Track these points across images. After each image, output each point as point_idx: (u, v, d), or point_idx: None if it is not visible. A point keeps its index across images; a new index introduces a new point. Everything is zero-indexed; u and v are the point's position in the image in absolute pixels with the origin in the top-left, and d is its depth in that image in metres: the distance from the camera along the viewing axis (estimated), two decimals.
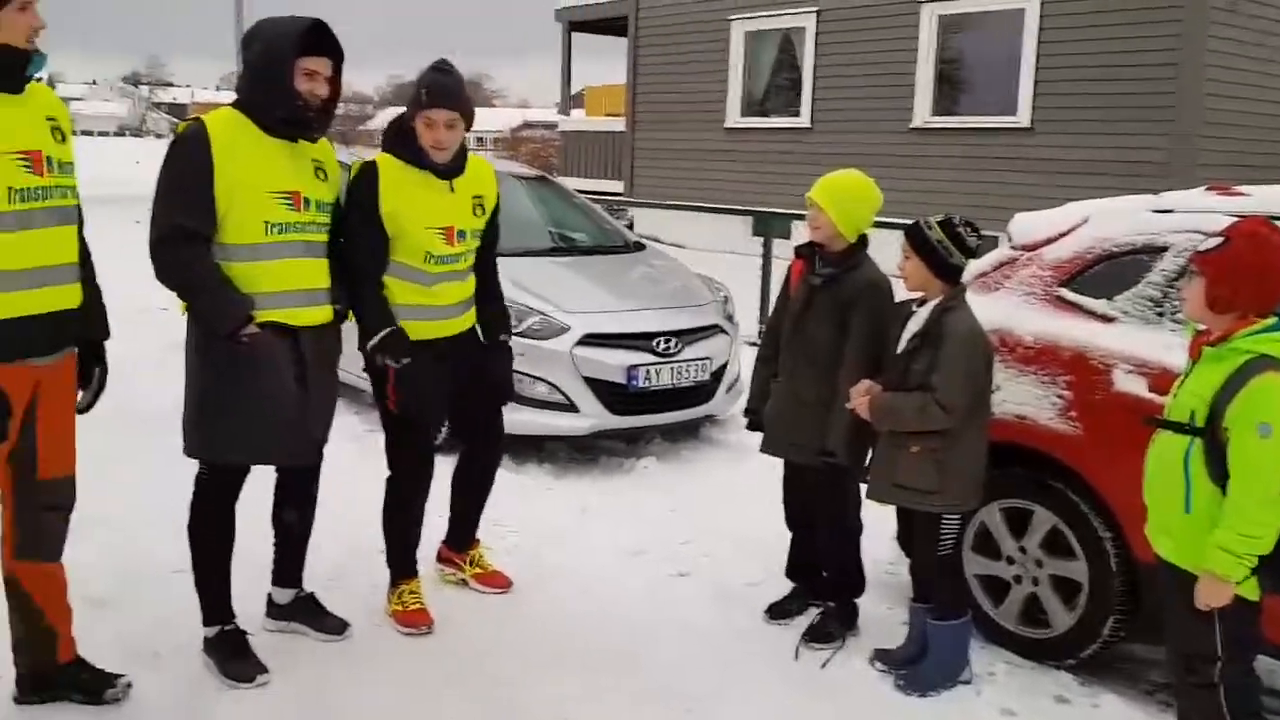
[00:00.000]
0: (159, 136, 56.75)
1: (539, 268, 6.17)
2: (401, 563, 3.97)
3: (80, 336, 3.10)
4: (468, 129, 3.75)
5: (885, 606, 4.13)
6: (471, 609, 4.04)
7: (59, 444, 3.07)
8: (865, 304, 3.65)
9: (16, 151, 2.80)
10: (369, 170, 3.65)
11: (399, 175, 3.67)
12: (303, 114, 3.30)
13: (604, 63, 23.59)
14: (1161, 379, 3.27)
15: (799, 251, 3.84)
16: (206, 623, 3.51)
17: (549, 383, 5.60)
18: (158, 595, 3.86)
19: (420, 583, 4.00)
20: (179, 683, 3.40)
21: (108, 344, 3.24)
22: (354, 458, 4.79)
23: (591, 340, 5.68)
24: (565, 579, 4.33)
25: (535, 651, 3.73)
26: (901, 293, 3.64)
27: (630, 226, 12.50)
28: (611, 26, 18.70)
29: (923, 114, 13.05)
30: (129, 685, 3.28)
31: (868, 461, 3.71)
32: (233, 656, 3.48)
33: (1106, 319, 3.63)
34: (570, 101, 21.24)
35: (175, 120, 75.13)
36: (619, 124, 17.84)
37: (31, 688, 3.21)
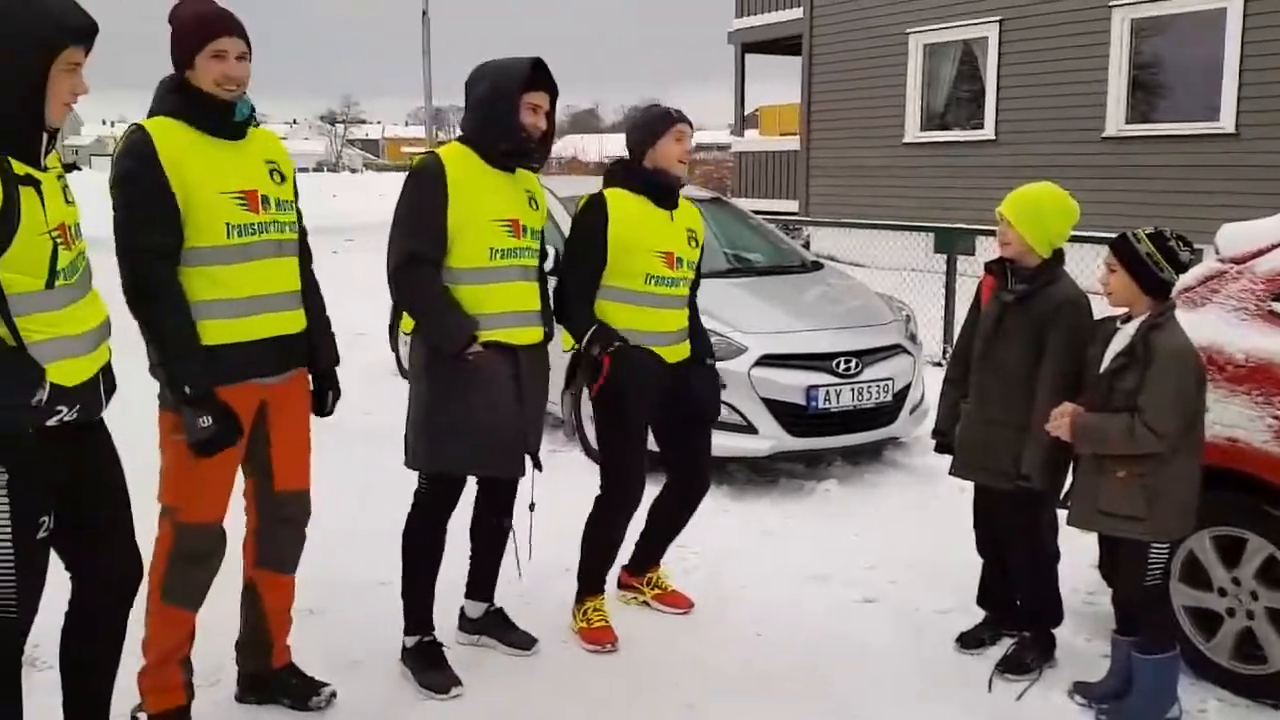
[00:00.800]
0: (353, 171, 59.85)
1: (716, 289, 6.17)
2: (592, 579, 4.07)
3: (310, 361, 3.31)
4: None
5: (1084, 637, 3.94)
6: (653, 630, 4.07)
7: (292, 459, 3.29)
8: (1063, 322, 3.51)
9: (233, 191, 3.00)
10: (598, 199, 3.88)
11: (626, 203, 3.88)
12: (526, 145, 3.52)
13: (777, 83, 23.60)
14: None
15: (989, 268, 3.73)
16: (408, 632, 3.67)
17: (727, 404, 5.59)
18: (361, 606, 4.06)
19: (605, 600, 4.07)
20: (378, 691, 3.56)
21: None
22: (534, 478, 4.89)
23: (770, 361, 5.65)
24: (746, 602, 4.31)
25: (718, 675, 3.72)
26: (1100, 309, 3.48)
27: (806, 246, 12.41)
28: (785, 46, 18.67)
29: (1116, 122, 12.47)
30: (333, 694, 3.46)
31: (1066, 487, 3.55)
32: (429, 667, 3.62)
33: None
34: (744, 122, 21.29)
35: (369, 156, 79.20)
36: (793, 143, 17.75)
37: (249, 688, 3.46)
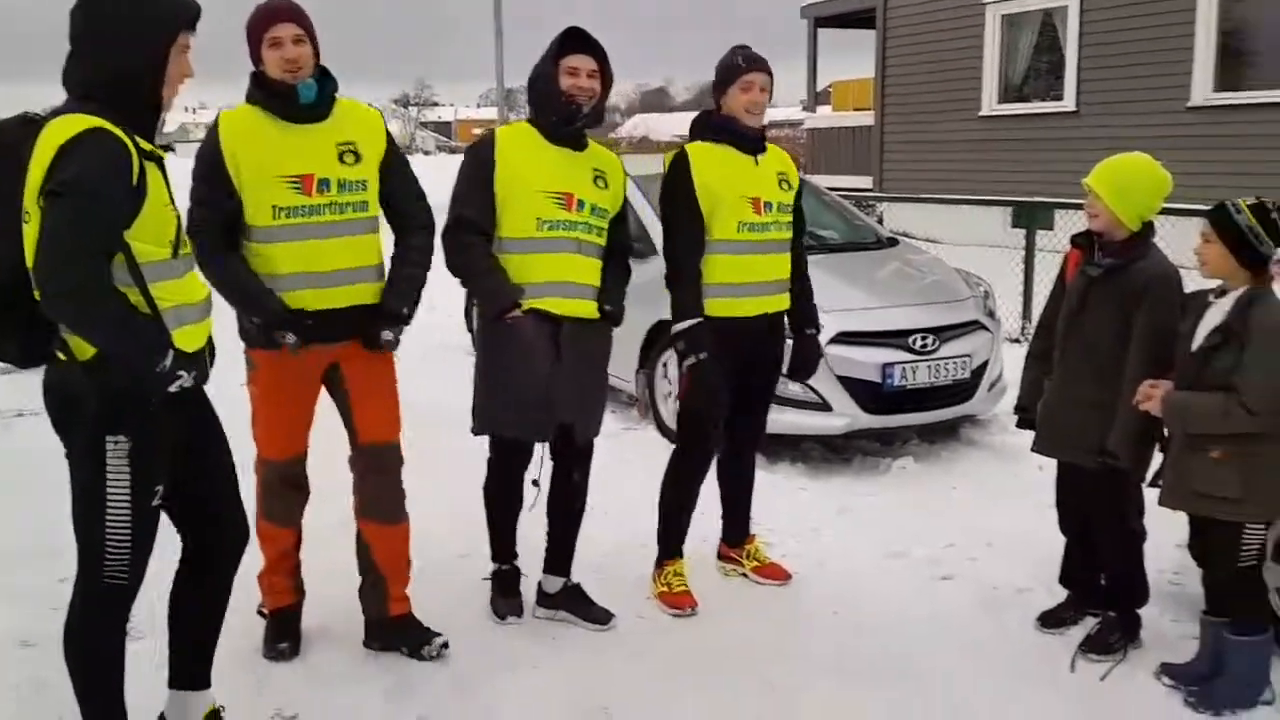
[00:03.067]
0: (426, 154, 60.49)
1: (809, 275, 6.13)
2: (669, 542, 4.14)
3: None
4: (768, 102, 4.00)
5: (1170, 618, 3.86)
6: (733, 605, 4.08)
7: (374, 412, 3.51)
8: (1152, 297, 3.41)
9: (287, 175, 3.25)
10: (679, 156, 3.93)
11: (708, 154, 3.92)
12: (568, 109, 3.58)
13: (850, 57, 23.23)
14: None
15: (1075, 241, 3.65)
16: (492, 559, 3.99)
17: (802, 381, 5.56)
18: (445, 578, 4.15)
19: (685, 565, 4.12)
20: (480, 653, 3.68)
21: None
22: (609, 455, 4.92)
23: (845, 338, 5.59)
24: (824, 580, 4.30)
25: (797, 653, 3.72)
26: (1191, 283, 3.38)
27: (880, 222, 12.24)
28: (858, 19, 18.38)
29: (1203, 91, 12.07)
30: (445, 645, 3.64)
31: (1156, 465, 3.47)
32: (500, 592, 3.97)
33: None
34: (816, 98, 21.04)
35: (441, 138, 79.93)
36: (867, 118, 17.50)
37: (373, 634, 3.68)
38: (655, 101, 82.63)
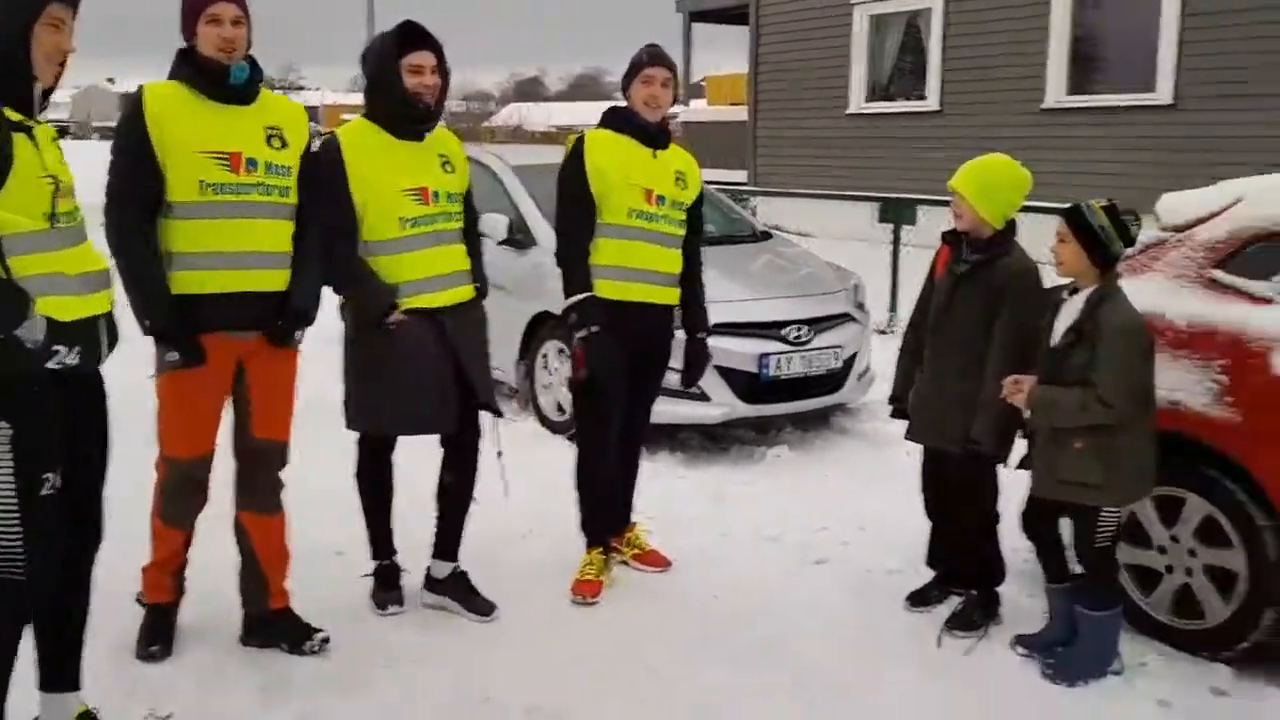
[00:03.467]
0: None
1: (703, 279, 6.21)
2: (589, 530, 4.22)
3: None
4: (673, 100, 4.11)
5: (1027, 595, 4.07)
6: (613, 592, 4.12)
7: (271, 409, 3.48)
8: (1014, 293, 3.59)
9: (214, 151, 3.20)
10: (577, 141, 4.04)
11: (605, 141, 4.04)
12: (413, 107, 3.61)
13: (723, 53, 23.59)
14: None
15: (945, 238, 3.82)
16: (372, 557, 4.00)
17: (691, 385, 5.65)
18: (322, 573, 4.09)
19: (600, 555, 4.19)
20: (363, 646, 3.66)
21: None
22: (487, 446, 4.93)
23: (723, 329, 5.69)
24: (703, 566, 4.39)
25: (677, 638, 3.79)
26: (1049, 279, 3.57)
27: (754, 215, 12.48)
28: (732, 15, 18.66)
29: (1056, 94, 12.66)
30: (325, 640, 3.60)
31: (1019, 449, 3.65)
32: (380, 586, 3.97)
33: (1264, 301, 3.50)
34: (690, 92, 21.28)
35: (310, 124, 77.69)
36: (741, 113, 17.79)
37: (251, 630, 3.63)
38: (530, 91, 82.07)
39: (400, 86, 3.57)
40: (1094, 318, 3.30)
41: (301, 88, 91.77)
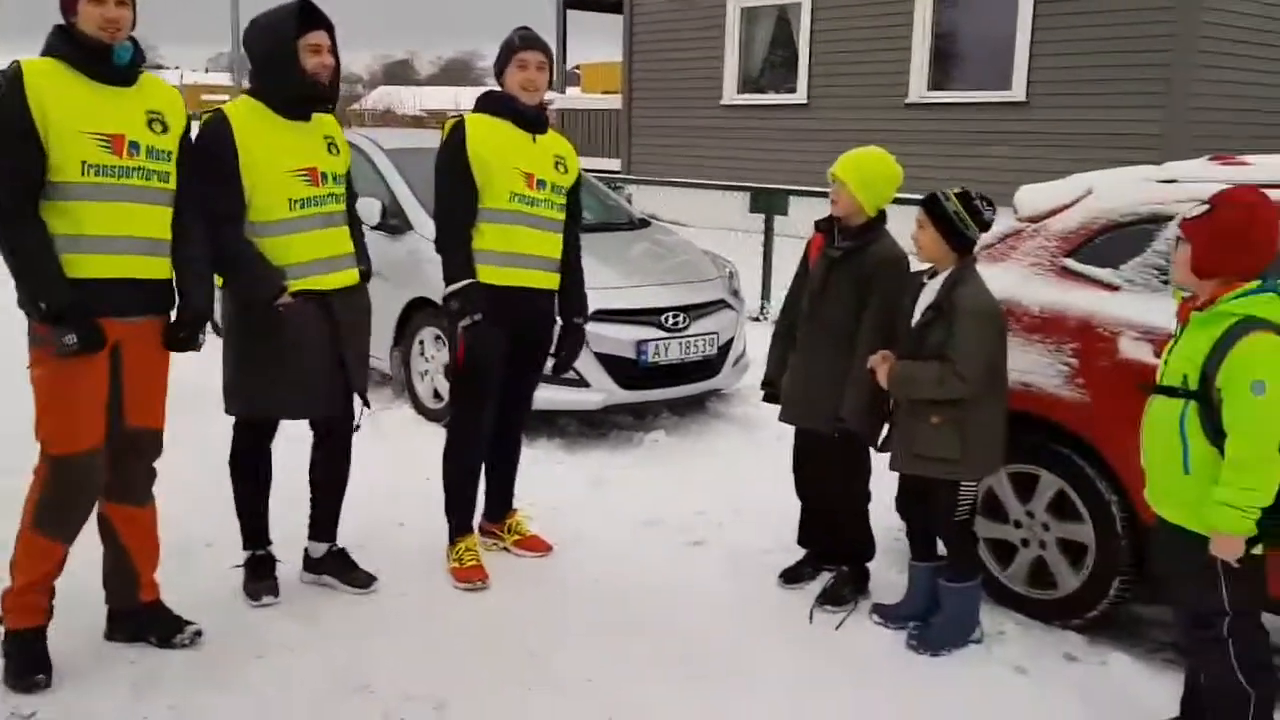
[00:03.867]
0: None
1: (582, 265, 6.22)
2: (457, 518, 4.19)
3: (179, 305, 3.34)
4: (549, 83, 4.11)
5: (895, 571, 4.22)
6: (494, 577, 4.12)
7: (145, 396, 3.33)
8: (884, 277, 3.72)
9: (96, 132, 3.08)
10: (458, 123, 3.96)
11: (484, 125, 3.98)
12: (315, 88, 3.57)
13: (597, 40, 23.57)
14: (1166, 345, 3.35)
15: (818, 226, 3.92)
16: (244, 547, 3.90)
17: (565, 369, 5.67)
18: (195, 566, 4.01)
19: (476, 540, 4.20)
20: (237, 630, 3.60)
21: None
22: (362, 434, 4.87)
23: (601, 316, 5.74)
24: (582, 548, 4.43)
25: (558, 622, 3.83)
26: (916, 265, 3.71)
27: (629, 203, 12.55)
28: (607, 4, 18.66)
29: (918, 89, 13.08)
30: (198, 633, 3.52)
31: (884, 433, 3.80)
32: (253, 577, 3.88)
33: (1112, 288, 3.72)
34: (566, 79, 21.22)
35: None
36: (615, 101, 17.83)
37: (118, 627, 3.51)
38: (399, 73, 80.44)
39: (298, 66, 3.51)
40: (950, 298, 3.46)
41: (160, 66, 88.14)
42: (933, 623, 3.71)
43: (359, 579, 3.95)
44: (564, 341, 4.33)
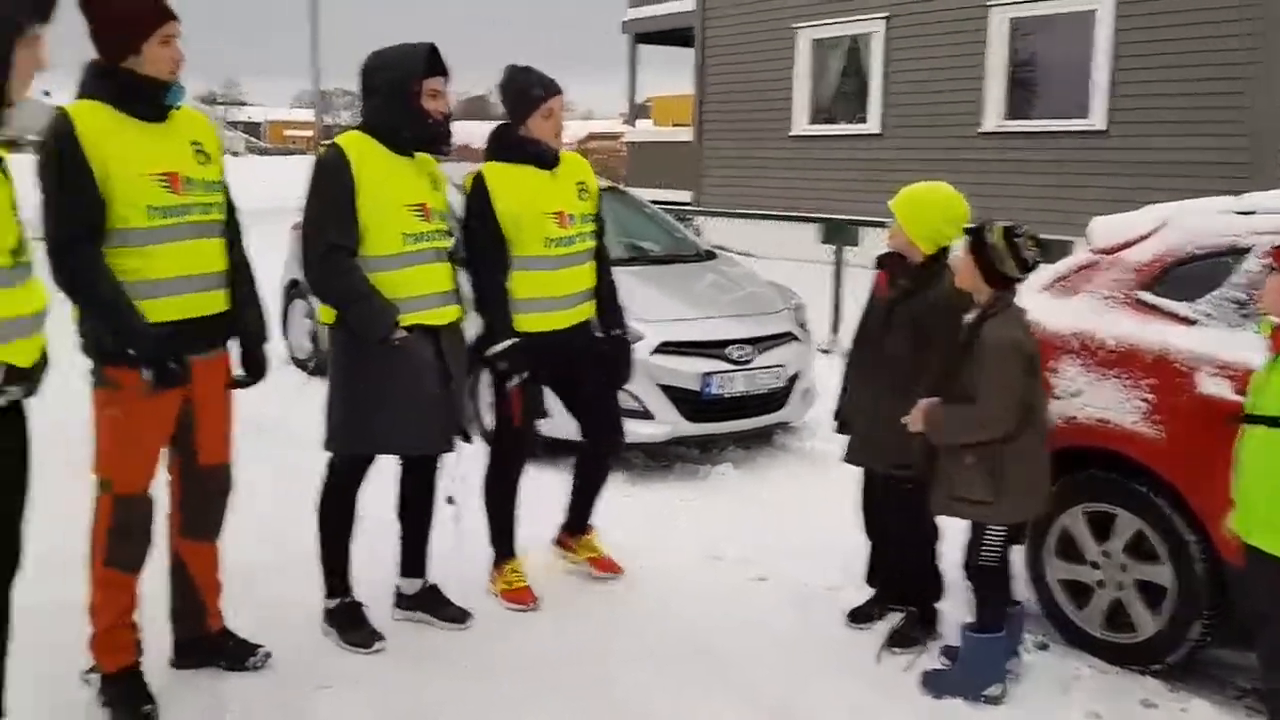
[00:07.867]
0: (234, 154, 58.06)
1: (613, 277, 6.24)
2: (502, 543, 4.21)
3: (240, 334, 3.38)
4: None
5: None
6: (557, 604, 4.14)
7: (215, 434, 3.37)
8: (940, 318, 3.58)
9: (155, 173, 3.06)
10: (477, 181, 3.93)
11: (505, 175, 3.97)
12: (434, 130, 3.63)
13: (669, 73, 23.73)
14: (1246, 381, 3.24)
15: (880, 262, 3.86)
16: (328, 596, 3.83)
17: (625, 390, 5.67)
18: (262, 590, 4.04)
19: (522, 562, 4.21)
20: (305, 651, 3.66)
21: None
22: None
23: (667, 348, 5.74)
24: (647, 582, 4.41)
25: (619, 646, 3.82)
26: None
27: (698, 235, 12.56)
28: (678, 37, 18.80)
29: (994, 118, 12.93)
30: (268, 655, 3.56)
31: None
32: (350, 626, 3.79)
33: (1189, 321, 3.61)
34: (636, 112, 21.38)
35: (250, 139, 76.87)
36: (686, 134, 17.91)
37: (186, 653, 3.53)
38: (477, 110, 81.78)
39: (419, 108, 3.56)
40: (975, 333, 3.34)
41: (244, 103, 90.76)
42: (953, 667, 3.59)
43: (454, 614, 3.96)
44: (612, 358, 4.27)
